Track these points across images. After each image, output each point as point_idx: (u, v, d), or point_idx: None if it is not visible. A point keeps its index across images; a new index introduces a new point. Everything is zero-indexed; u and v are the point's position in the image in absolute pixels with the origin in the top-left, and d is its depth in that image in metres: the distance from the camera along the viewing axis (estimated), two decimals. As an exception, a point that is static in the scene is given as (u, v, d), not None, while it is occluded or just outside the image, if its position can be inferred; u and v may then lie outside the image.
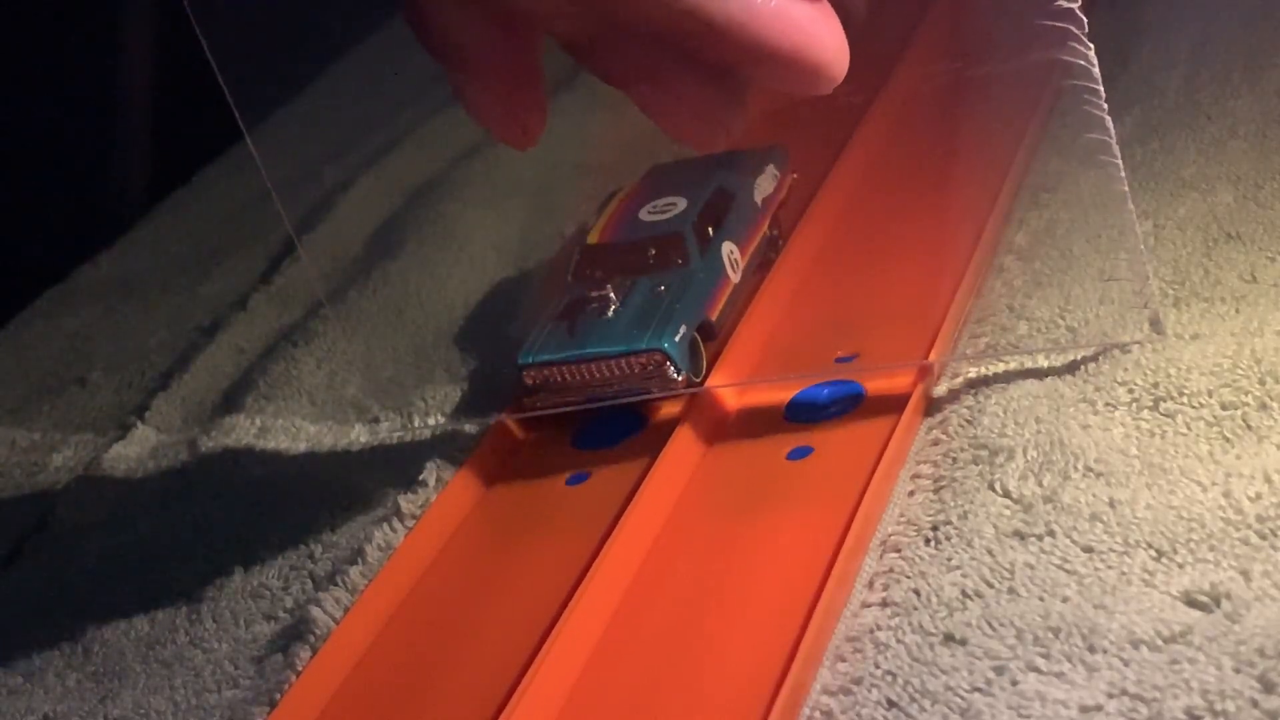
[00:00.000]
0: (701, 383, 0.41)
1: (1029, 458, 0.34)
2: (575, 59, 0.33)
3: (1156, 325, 0.37)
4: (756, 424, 0.40)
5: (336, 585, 0.39)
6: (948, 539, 0.33)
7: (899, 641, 0.31)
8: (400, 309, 0.52)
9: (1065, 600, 0.30)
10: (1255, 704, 0.26)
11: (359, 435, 0.46)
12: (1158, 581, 0.30)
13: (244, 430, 0.49)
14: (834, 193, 0.49)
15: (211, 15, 0.37)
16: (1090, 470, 0.33)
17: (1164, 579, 0.30)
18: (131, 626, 0.41)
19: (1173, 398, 0.35)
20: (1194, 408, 0.34)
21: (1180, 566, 0.30)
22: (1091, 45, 0.33)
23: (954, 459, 0.36)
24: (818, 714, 0.30)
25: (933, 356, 0.39)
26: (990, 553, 0.32)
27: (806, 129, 0.50)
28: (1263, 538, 0.30)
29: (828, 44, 0.31)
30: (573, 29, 0.32)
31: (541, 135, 0.34)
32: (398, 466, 0.43)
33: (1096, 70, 0.34)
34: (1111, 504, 0.32)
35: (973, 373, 0.38)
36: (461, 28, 0.33)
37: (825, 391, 0.40)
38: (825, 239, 0.47)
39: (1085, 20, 0.33)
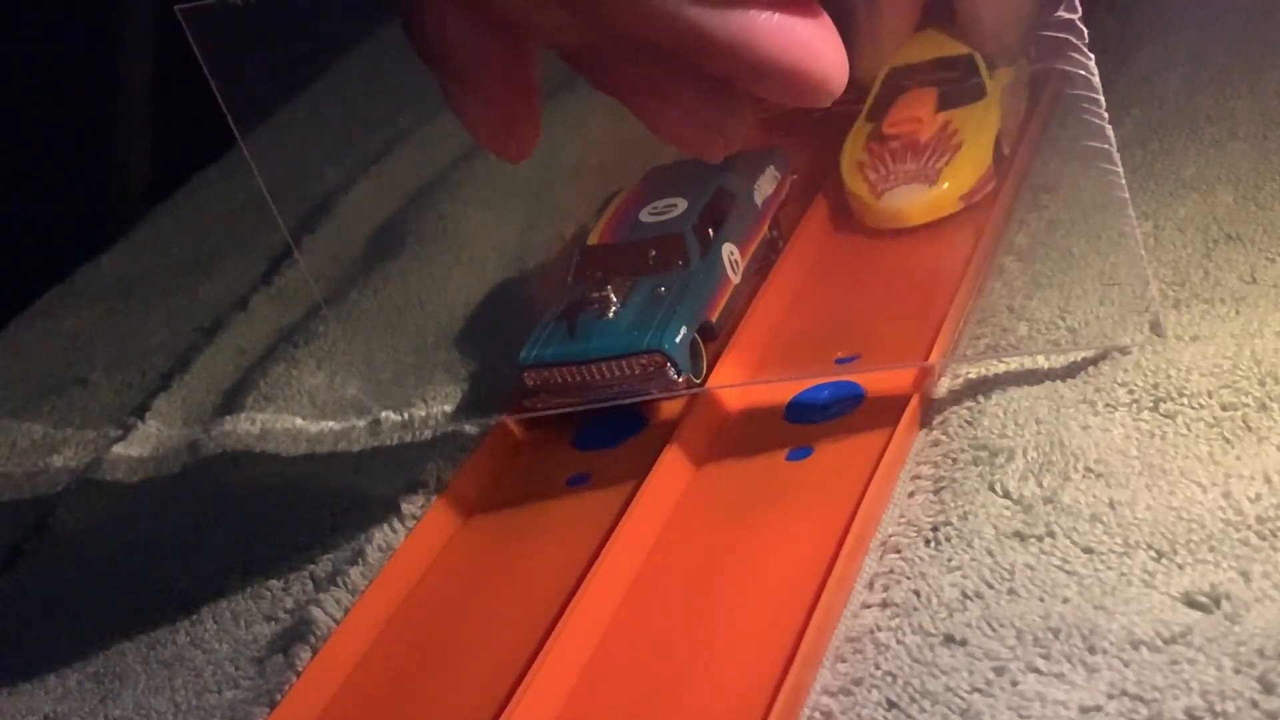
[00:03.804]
0: (702, 383, 0.41)
1: (1029, 459, 0.34)
2: (573, 69, 0.33)
3: (1156, 326, 0.37)
4: (756, 424, 0.40)
5: (337, 586, 0.39)
6: (948, 540, 0.33)
7: (899, 642, 0.31)
8: (400, 310, 0.52)
9: (1065, 601, 0.30)
10: (1255, 704, 0.26)
11: (359, 436, 0.46)
12: (1158, 582, 0.30)
13: (244, 430, 0.49)
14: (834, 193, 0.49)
15: (204, 22, 0.37)
16: (1090, 471, 0.33)
17: (1164, 580, 0.30)
18: (131, 626, 0.41)
19: (1173, 399, 0.35)
20: (1194, 409, 0.34)
21: (1180, 567, 0.30)
22: (1092, 55, 0.33)
23: (954, 460, 0.36)
24: (818, 714, 0.30)
25: (933, 357, 0.39)
26: (990, 553, 0.32)
27: (806, 130, 0.50)
28: (1263, 538, 0.30)
29: (828, 58, 0.31)
30: (571, 41, 0.32)
31: (534, 148, 0.34)
32: (398, 467, 0.43)
33: (1097, 80, 0.34)
34: (1111, 505, 0.32)
35: (973, 374, 0.38)
36: (458, 38, 0.32)
37: (825, 392, 0.40)
38: (825, 239, 0.47)
39: (1086, 31, 0.33)
